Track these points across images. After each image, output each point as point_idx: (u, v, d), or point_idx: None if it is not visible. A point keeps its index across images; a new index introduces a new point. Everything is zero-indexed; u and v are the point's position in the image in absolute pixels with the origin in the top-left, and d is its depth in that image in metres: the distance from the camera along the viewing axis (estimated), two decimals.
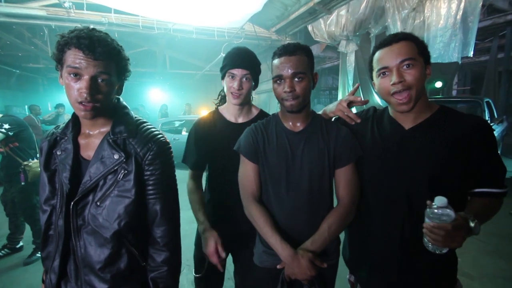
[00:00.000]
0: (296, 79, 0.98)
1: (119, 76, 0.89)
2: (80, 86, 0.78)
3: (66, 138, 0.89)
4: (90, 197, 0.84)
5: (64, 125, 0.93)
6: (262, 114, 1.38)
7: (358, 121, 1.10)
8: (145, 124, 0.94)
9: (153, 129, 0.93)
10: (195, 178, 1.36)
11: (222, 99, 1.47)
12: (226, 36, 6.79)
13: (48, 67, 9.80)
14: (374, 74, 0.98)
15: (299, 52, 1.00)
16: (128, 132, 0.88)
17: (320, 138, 1.07)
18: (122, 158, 0.84)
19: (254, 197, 1.10)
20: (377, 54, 0.95)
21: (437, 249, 0.82)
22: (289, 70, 0.97)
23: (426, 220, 0.80)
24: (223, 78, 1.30)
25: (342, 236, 1.14)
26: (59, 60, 0.81)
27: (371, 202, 1.03)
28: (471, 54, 4.19)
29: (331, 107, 1.18)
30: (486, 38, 8.53)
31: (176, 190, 0.98)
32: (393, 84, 0.90)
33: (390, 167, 0.97)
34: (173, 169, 0.96)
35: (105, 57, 0.79)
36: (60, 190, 0.86)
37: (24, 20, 5.63)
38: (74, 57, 0.77)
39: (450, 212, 0.76)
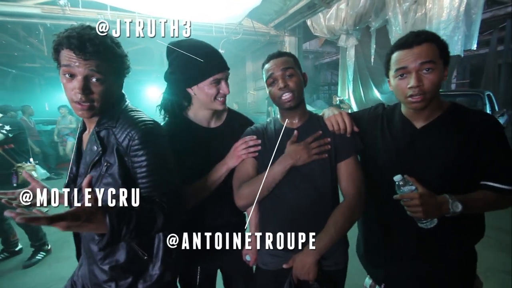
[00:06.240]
0: (287, 75, 1.04)
1: (117, 74, 0.87)
2: (73, 86, 0.78)
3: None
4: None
5: None
6: (232, 114, 1.25)
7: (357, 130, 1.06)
8: (131, 113, 0.86)
9: (137, 116, 0.84)
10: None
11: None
12: (224, 32, 6.70)
13: (45, 67, 9.66)
14: (391, 73, 0.96)
15: (285, 55, 1.08)
16: (110, 121, 0.84)
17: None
18: (99, 150, 0.82)
19: None
20: (396, 54, 0.93)
21: (423, 223, 0.87)
22: (280, 67, 1.04)
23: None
24: None
25: (350, 240, 1.11)
26: (57, 60, 0.81)
27: (384, 199, 1.00)
28: (474, 47, 4.12)
29: (329, 112, 1.12)
30: (486, 31, 8.47)
31: (177, 182, 0.87)
32: (411, 87, 0.88)
33: (401, 165, 0.95)
34: (166, 158, 0.85)
35: (97, 57, 0.78)
36: None
37: (18, 18, 5.54)
38: (66, 57, 0.77)
39: (411, 186, 0.86)
